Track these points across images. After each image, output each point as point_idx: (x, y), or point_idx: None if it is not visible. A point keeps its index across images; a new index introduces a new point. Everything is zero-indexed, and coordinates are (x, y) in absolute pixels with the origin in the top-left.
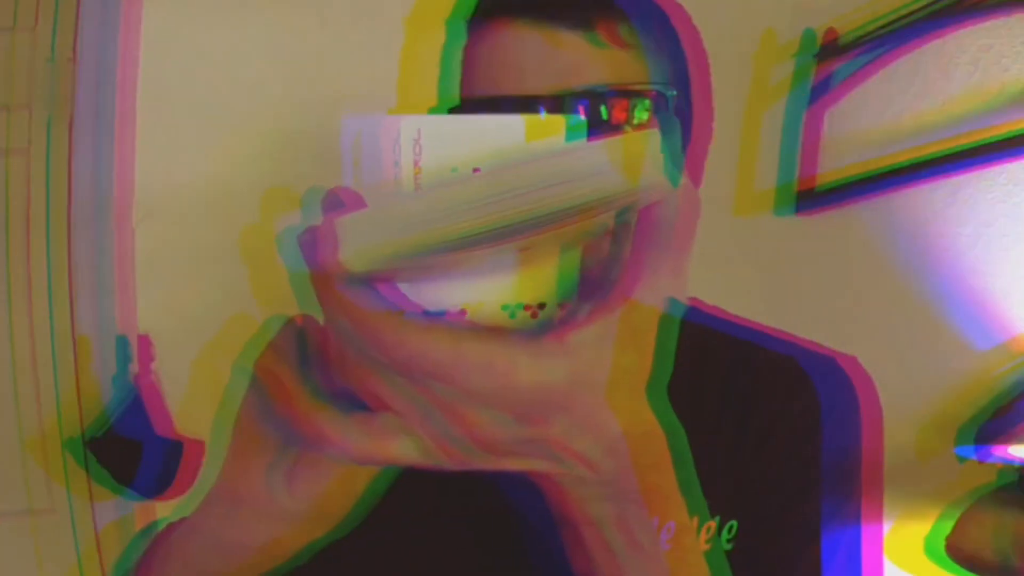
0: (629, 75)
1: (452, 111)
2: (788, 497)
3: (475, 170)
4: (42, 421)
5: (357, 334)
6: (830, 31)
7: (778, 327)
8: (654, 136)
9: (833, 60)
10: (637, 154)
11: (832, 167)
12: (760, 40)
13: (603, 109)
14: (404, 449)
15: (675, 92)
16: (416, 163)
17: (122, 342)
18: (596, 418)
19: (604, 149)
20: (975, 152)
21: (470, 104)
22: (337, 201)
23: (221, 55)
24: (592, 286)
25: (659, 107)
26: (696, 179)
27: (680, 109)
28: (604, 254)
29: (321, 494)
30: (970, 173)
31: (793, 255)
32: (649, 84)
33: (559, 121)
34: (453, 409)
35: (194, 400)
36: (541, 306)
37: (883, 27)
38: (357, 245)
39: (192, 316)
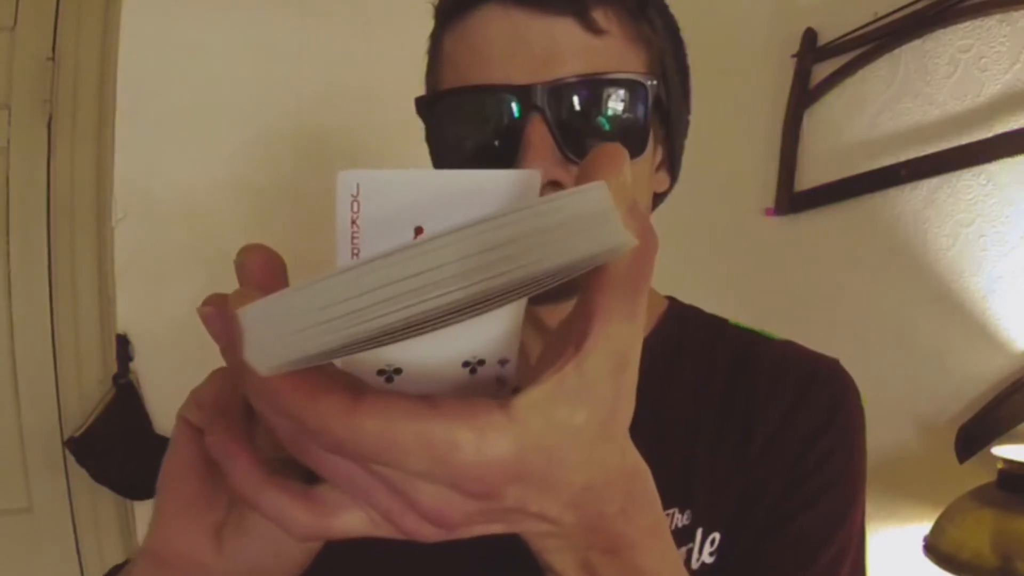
0: (610, 63)
1: (419, 103)
2: (795, 506)
3: (417, 229)
4: (21, 421)
5: (278, 420)
6: (809, 32)
7: (765, 325)
8: (603, 188)
9: (813, 61)
10: (598, 211)
11: (811, 168)
12: (760, 40)
13: (574, 100)
14: (351, 523)
15: (655, 82)
16: (353, 221)
17: (102, 342)
18: (553, 480)
19: (563, 207)
20: (954, 152)
21: (435, 96)
22: (248, 266)
23: (202, 55)
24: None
25: (637, 97)
26: (673, 174)
27: (660, 100)
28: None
29: (258, 555)
30: (949, 173)
31: (774, 256)
32: (626, 73)
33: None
34: (395, 487)
35: (173, 400)
36: (480, 362)
37: (863, 28)
38: (264, 345)
39: (172, 317)
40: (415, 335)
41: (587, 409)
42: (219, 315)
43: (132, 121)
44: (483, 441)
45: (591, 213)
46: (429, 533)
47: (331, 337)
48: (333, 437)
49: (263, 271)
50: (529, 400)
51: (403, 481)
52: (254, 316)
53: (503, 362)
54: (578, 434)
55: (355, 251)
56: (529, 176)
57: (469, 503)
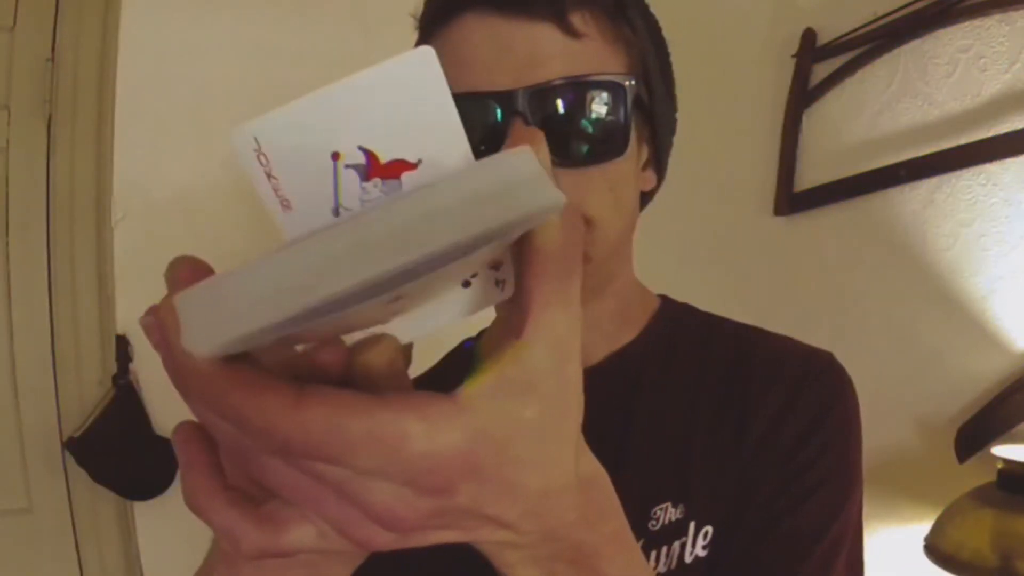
0: (589, 65)
1: None
2: (790, 502)
3: (334, 155)
4: (21, 421)
5: (218, 420)
6: (808, 32)
7: (765, 324)
8: (530, 152)
9: (812, 61)
10: (529, 171)
11: (810, 168)
12: (759, 40)
13: (555, 102)
14: (301, 539)
15: (634, 82)
16: (268, 174)
17: (102, 343)
18: (507, 479)
19: (503, 167)
20: (953, 153)
21: None
22: (178, 275)
23: (201, 55)
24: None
25: (617, 98)
26: (660, 172)
27: (641, 100)
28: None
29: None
30: (949, 173)
31: (773, 256)
32: (606, 74)
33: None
34: (345, 489)
35: (173, 402)
36: (473, 275)
37: (862, 28)
38: (202, 327)
39: None
40: (368, 299)
41: (536, 403)
42: (158, 322)
43: (131, 122)
44: (433, 430)
45: (523, 174)
46: (382, 541)
47: (284, 308)
48: (279, 435)
49: (193, 277)
50: (475, 390)
51: (353, 482)
52: (193, 299)
53: (496, 266)
54: (530, 429)
55: (284, 203)
56: (422, 54)
57: (423, 500)
